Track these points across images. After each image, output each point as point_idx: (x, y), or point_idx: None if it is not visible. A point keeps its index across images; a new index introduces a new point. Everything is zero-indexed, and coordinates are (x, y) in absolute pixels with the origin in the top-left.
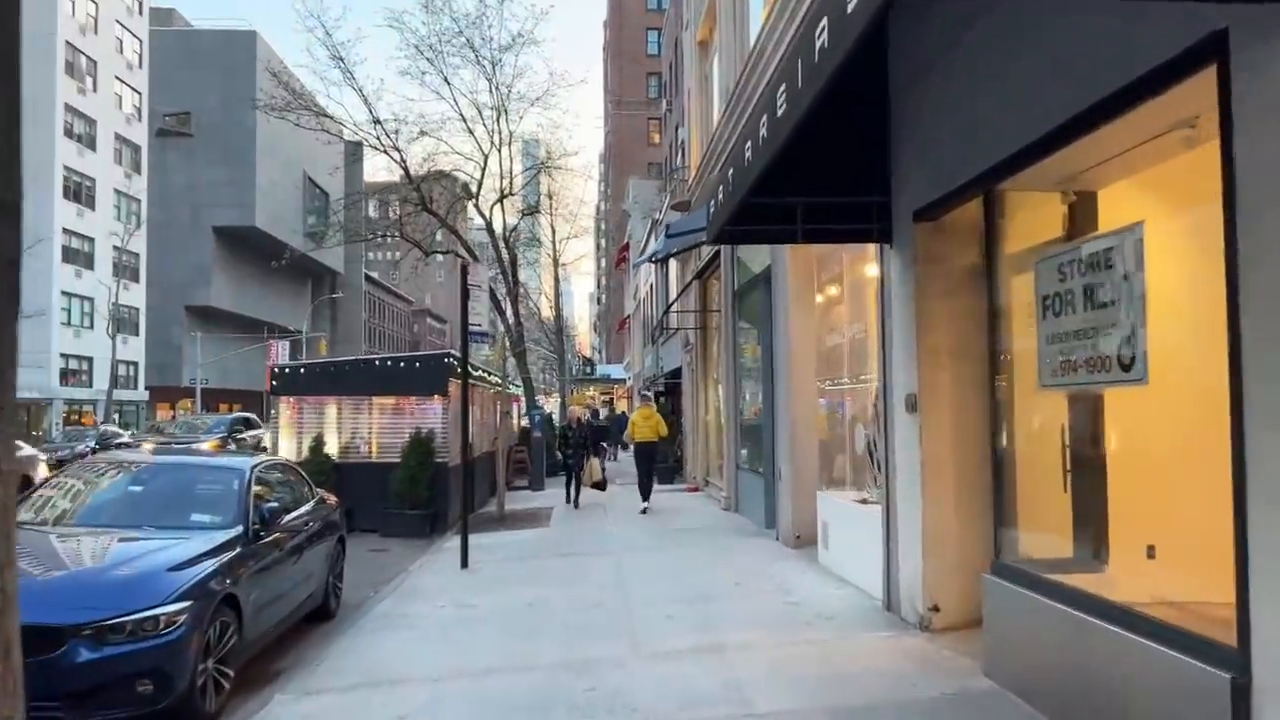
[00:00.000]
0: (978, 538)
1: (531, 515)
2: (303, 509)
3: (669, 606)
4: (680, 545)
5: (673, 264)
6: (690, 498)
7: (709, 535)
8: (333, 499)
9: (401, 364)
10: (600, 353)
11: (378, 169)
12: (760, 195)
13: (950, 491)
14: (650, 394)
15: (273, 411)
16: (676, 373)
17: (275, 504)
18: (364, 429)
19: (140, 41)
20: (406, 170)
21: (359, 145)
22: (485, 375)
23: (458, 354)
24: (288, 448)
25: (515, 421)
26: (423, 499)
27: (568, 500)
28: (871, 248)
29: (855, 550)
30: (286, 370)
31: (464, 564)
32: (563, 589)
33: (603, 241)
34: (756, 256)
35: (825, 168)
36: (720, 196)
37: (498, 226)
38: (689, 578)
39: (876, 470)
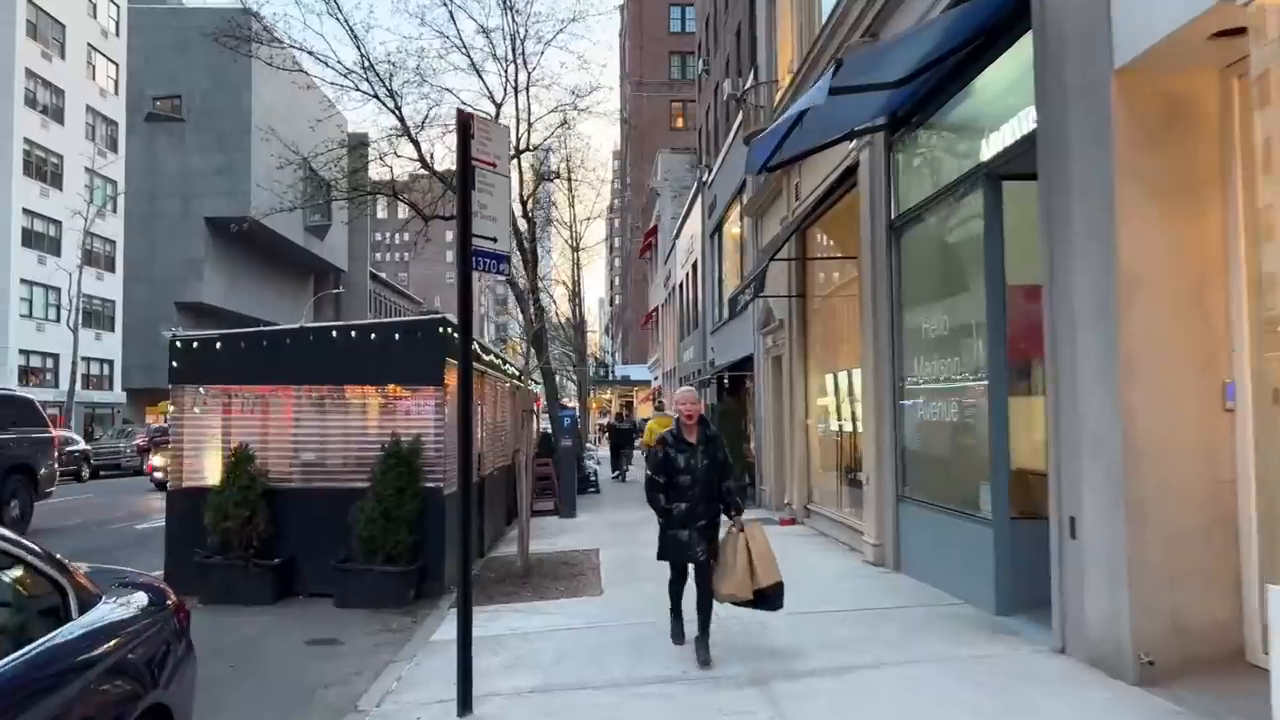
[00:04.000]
0: None
1: (569, 566)
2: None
3: None
4: (859, 652)
5: (733, 228)
6: (791, 536)
7: (891, 627)
8: (170, 598)
9: (373, 335)
10: (613, 356)
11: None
12: None
13: None
14: (664, 403)
15: (170, 409)
16: (744, 363)
17: None
18: (314, 436)
19: (117, 7)
20: (402, 119)
21: (363, 138)
22: (499, 361)
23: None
24: (196, 466)
25: (536, 425)
26: (403, 547)
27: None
28: None
29: None
30: (195, 345)
31: (464, 707)
32: None
33: (616, 241)
34: (953, 153)
35: None
36: None
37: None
38: None
39: None
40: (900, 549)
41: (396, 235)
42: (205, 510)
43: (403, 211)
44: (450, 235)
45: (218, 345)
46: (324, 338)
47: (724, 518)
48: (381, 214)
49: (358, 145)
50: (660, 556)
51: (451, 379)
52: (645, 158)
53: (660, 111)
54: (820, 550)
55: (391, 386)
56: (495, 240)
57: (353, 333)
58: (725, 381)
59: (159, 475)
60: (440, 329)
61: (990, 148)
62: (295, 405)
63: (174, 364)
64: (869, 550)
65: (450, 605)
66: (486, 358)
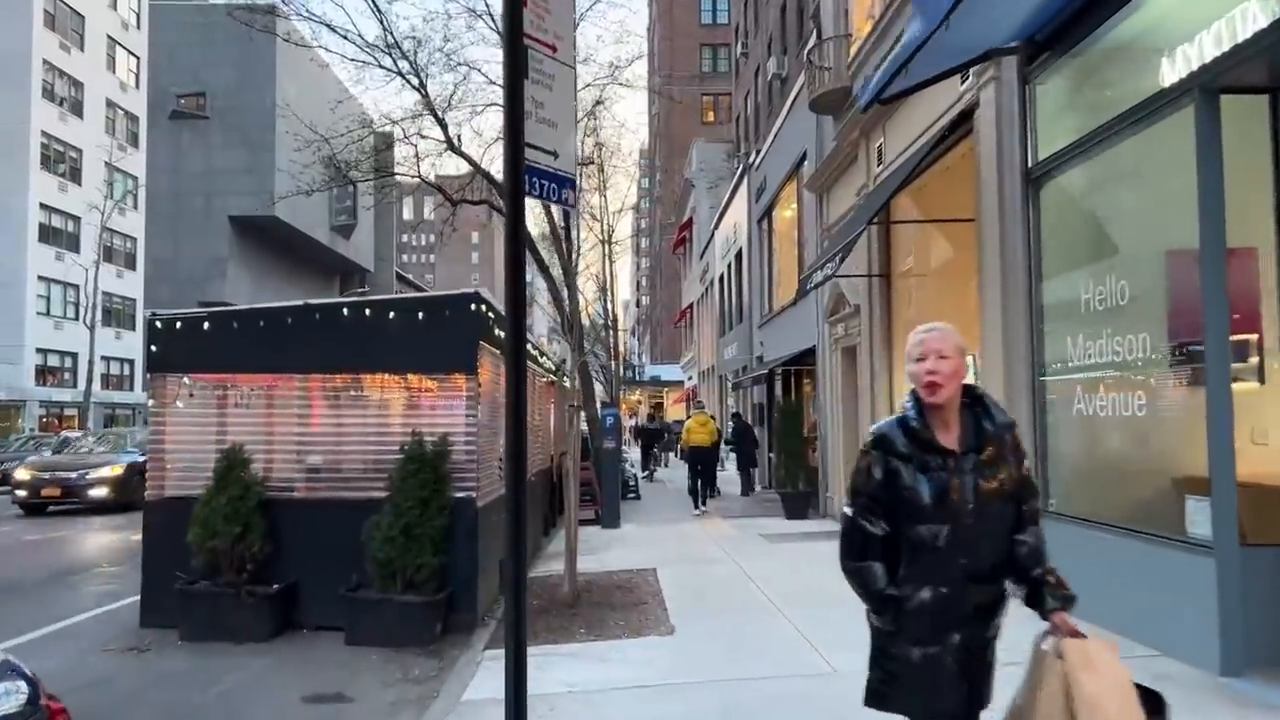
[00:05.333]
0: None
1: (626, 592)
2: None
3: None
4: None
5: (785, 210)
6: None
7: None
8: (42, 698)
9: (393, 314)
10: (640, 357)
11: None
12: None
13: None
14: (704, 402)
15: (149, 401)
16: (803, 357)
17: None
18: (322, 435)
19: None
20: (427, 96)
21: (389, 137)
22: (535, 351)
23: (493, 301)
24: (180, 471)
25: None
26: (427, 572)
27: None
28: None
29: None
30: (178, 325)
31: None
32: None
33: (643, 242)
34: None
35: None
36: None
37: None
38: None
39: None
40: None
41: (423, 236)
42: (190, 525)
43: (428, 212)
44: (476, 236)
45: (205, 326)
46: (333, 317)
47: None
48: (408, 214)
49: (382, 130)
50: (870, 700)
51: (486, 367)
52: (676, 152)
53: (691, 105)
54: None
55: (415, 376)
56: (556, 155)
57: (368, 310)
58: (775, 378)
59: (21, 494)
60: (473, 305)
61: (1196, 56)
62: (299, 398)
63: (153, 348)
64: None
65: (485, 645)
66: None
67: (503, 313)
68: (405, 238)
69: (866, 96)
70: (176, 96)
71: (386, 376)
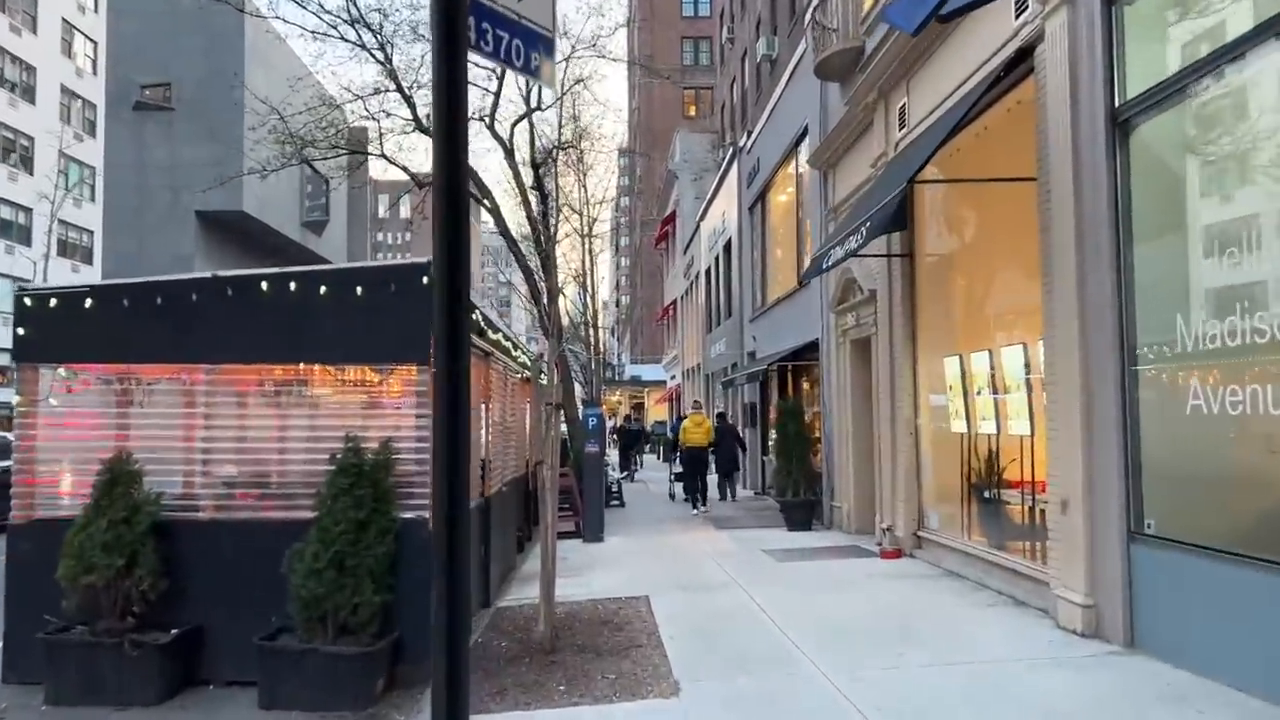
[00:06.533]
0: None
1: (614, 629)
2: None
3: None
4: None
5: (780, 195)
6: (907, 579)
7: None
8: None
9: (324, 289)
10: (619, 357)
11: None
12: None
13: None
14: (700, 402)
15: (15, 394)
16: (804, 351)
17: None
18: (236, 441)
19: None
20: (393, 73)
21: (363, 132)
22: (508, 344)
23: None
24: (54, 486)
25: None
26: (367, 613)
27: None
28: None
29: None
30: (53, 303)
31: None
32: None
33: (623, 240)
34: None
35: None
36: None
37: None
38: None
39: None
40: (1135, 615)
41: (398, 235)
42: (61, 556)
43: (404, 211)
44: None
45: (88, 304)
46: (250, 293)
47: None
48: (383, 211)
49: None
50: None
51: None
52: (657, 147)
53: (672, 99)
54: (966, 604)
55: (354, 367)
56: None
57: (293, 284)
58: (771, 376)
59: None
60: (426, 278)
61: None
62: (207, 395)
63: (20, 331)
64: (1067, 612)
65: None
66: (493, 336)
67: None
68: (380, 235)
69: (919, 17)
70: (140, 87)
71: (319, 368)
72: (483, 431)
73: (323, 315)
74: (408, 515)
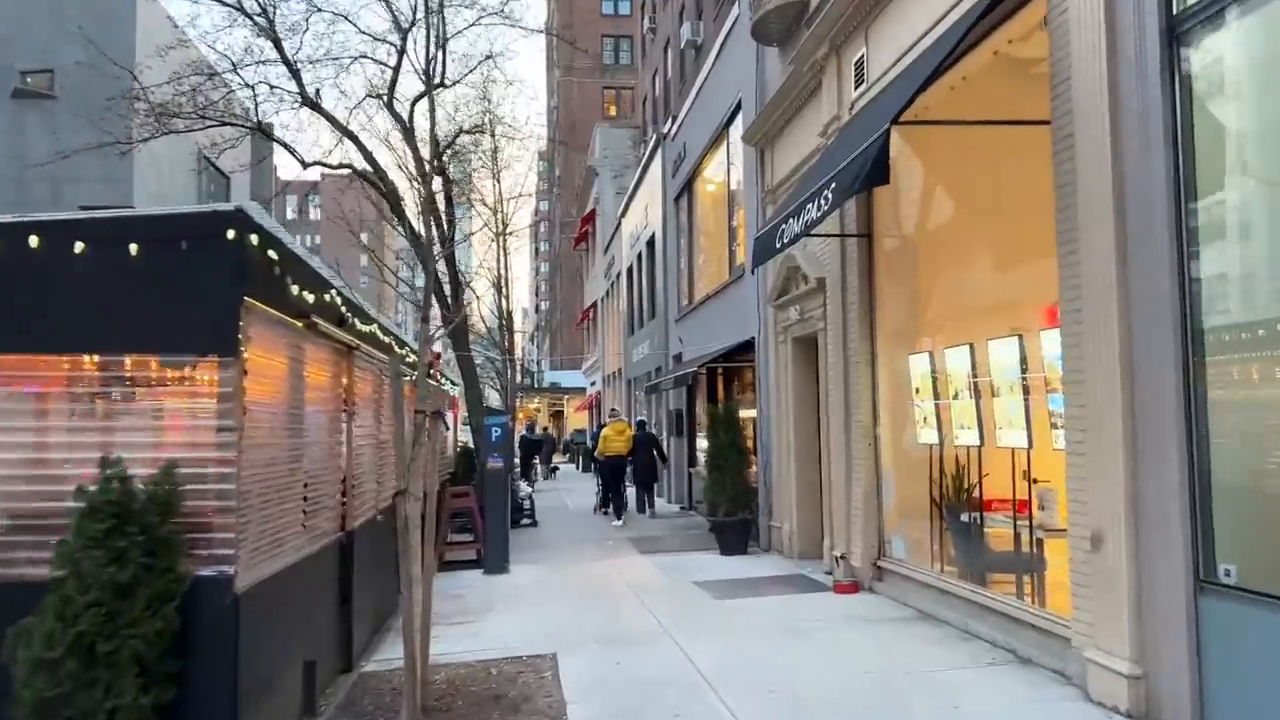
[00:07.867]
0: None
1: (508, 712)
2: None
3: None
4: None
5: (708, 184)
6: (872, 623)
7: None
8: None
9: (83, 247)
10: (539, 364)
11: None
12: None
13: None
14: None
15: None
16: (736, 352)
17: None
18: None
19: None
20: (277, 41)
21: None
22: (386, 339)
23: (274, 229)
24: None
25: (450, 438)
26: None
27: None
28: None
29: None
30: None
31: None
32: None
33: (541, 246)
34: None
35: None
36: None
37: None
38: None
39: None
40: (1207, 694)
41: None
42: None
43: (314, 213)
44: (366, 238)
45: None
46: None
47: None
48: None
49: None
50: None
51: (261, 345)
52: (576, 147)
53: (592, 98)
54: (959, 664)
55: (128, 359)
56: None
57: (34, 240)
58: (696, 380)
59: None
60: (233, 232)
61: None
62: None
63: None
64: (1104, 683)
65: None
66: (363, 327)
67: (297, 250)
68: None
69: None
70: (21, 74)
71: (75, 359)
72: (342, 447)
73: (81, 286)
74: (203, 572)
